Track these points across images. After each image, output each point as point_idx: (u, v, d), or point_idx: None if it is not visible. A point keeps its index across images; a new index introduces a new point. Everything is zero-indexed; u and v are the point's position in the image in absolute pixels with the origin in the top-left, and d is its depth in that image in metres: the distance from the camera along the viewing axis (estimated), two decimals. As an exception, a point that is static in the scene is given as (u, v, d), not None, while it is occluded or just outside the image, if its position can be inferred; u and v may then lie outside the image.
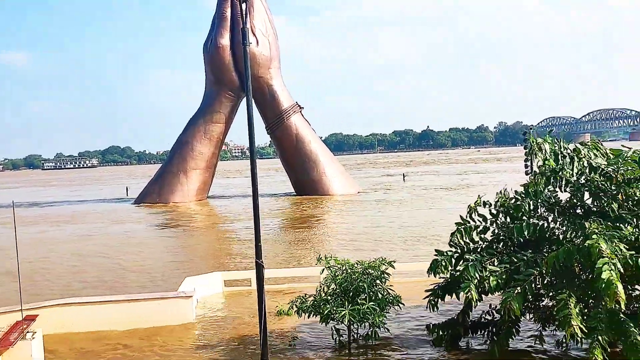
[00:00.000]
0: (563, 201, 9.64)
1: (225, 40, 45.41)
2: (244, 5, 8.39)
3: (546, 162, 8.83)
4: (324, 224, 30.08)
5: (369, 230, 25.61)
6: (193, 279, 13.95)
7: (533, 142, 8.90)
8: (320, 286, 9.58)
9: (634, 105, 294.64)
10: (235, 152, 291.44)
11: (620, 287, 6.87)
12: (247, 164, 9.18)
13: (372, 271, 9.35)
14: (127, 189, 63.91)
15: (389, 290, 9.37)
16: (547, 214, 9.69)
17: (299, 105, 47.32)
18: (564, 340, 8.76)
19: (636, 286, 9.09)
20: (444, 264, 9.11)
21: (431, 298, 9.18)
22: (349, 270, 9.32)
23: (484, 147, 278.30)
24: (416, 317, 11.14)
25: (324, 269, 9.70)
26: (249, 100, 8.44)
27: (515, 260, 8.49)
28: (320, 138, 57.11)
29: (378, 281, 9.40)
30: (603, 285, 6.93)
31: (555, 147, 9.00)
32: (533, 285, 8.36)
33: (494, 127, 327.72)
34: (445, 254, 9.23)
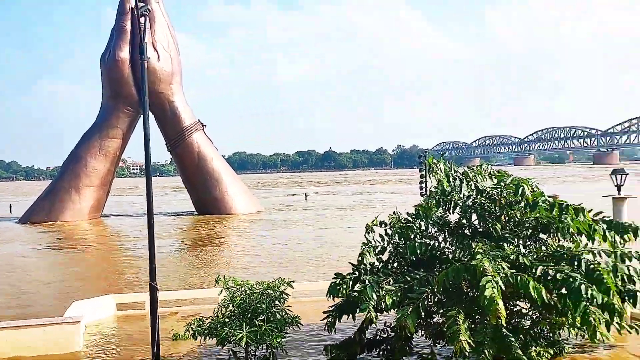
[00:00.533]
0: (452, 222, 10.17)
1: (124, 54, 43.85)
2: (142, 19, 8.16)
3: (440, 183, 9.26)
4: (226, 244, 29.58)
5: (271, 250, 25.51)
6: (82, 303, 13.10)
7: (430, 161, 9.32)
8: (218, 308, 9.36)
9: (518, 133, 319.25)
10: (133, 169, 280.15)
11: (501, 303, 7.30)
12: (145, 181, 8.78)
13: (271, 292, 9.27)
14: (10, 206, 59.25)
15: (287, 311, 9.32)
16: (437, 234, 10.18)
17: (201, 123, 46.53)
18: (453, 356, 9.10)
19: (517, 302, 9.76)
20: (345, 286, 9.24)
21: (329, 319, 9.26)
22: (248, 291, 9.19)
23: (383, 169, 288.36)
24: (314, 338, 11.19)
25: (222, 290, 9.50)
26: (146, 116, 8.18)
27: (409, 279, 8.79)
28: (223, 156, 56.44)
29: (277, 302, 9.33)
30: (486, 302, 7.32)
31: (447, 169, 9.48)
32: (425, 303, 8.71)
33: (393, 150, 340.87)
34: (344, 277, 9.37)
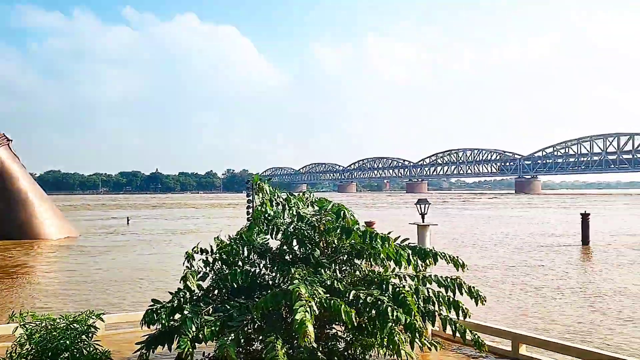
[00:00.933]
0: (274, 248, 10.32)
1: None
2: None
3: (264, 205, 9.33)
4: (32, 273, 26.54)
5: (84, 278, 23.48)
6: None
7: (256, 180, 9.36)
8: (12, 347, 8.30)
9: (341, 162, 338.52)
10: None
11: (310, 326, 7.50)
12: None
13: (78, 326, 8.48)
14: None
15: (96, 346, 8.60)
16: (259, 260, 10.24)
17: (6, 137, 41.75)
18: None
19: (333, 326, 10.16)
20: (163, 315, 8.81)
21: (142, 351, 8.73)
22: (49, 327, 8.29)
23: (212, 193, 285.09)
24: (128, 373, 10.45)
25: (17, 327, 8.45)
26: None
27: (229, 307, 8.67)
28: (33, 175, 51.12)
29: (84, 336, 8.56)
30: (297, 325, 7.49)
31: (272, 193, 9.59)
32: (246, 330, 8.65)
33: (223, 174, 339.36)
34: (162, 304, 8.95)
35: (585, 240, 33.78)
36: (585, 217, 33.98)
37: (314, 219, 9.76)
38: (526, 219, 63.31)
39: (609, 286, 19.95)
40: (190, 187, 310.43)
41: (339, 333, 10.53)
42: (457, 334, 9.54)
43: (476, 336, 9.82)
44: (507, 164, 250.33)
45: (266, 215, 9.64)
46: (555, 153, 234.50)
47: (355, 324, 9.00)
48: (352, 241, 9.70)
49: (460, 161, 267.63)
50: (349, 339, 10.26)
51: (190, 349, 8.09)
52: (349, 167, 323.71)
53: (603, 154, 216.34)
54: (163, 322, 8.55)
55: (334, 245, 9.99)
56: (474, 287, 9.83)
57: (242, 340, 9.14)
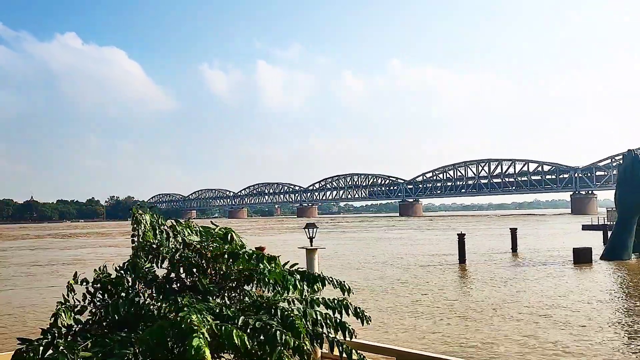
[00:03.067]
0: (160, 277, 10.01)
1: None
2: None
3: (145, 234, 9.05)
4: None
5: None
6: None
7: (135, 211, 9.04)
8: None
9: (232, 187, 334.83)
10: None
11: (208, 352, 7.37)
12: None
13: None
14: None
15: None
16: (144, 290, 9.88)
17: None
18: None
19: (222, 354, 10.00)
20: (31, 354, 8.16)
21: (12, 396, 8.02)
22: None
23: (95, 221, 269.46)
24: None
25: None
26: None
27: (109, 341, 8.25)
28: None
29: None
30: (193, 353, 7.32)
31: (154, 221, 9.31)
32: (128, 365, 8.26)
33: (105, 201, 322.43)
34: (32, 342, 8.30)
35: (461, 259, 36.11)
36: (461, 237, 36.39)
37: (201, 245, 9.64)
38: (409, 239, 66.49)
39: (483, 301, 21.45)
40: (70, 216, 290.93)
41: (230, 360, 10.40)
42: (344, 355, 9.79)
43: (362, 356, 10.13)
44: (392, 188, 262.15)
45: (150, 244, 9.35)
46: (434, 177, 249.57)
47: (249, 347, 8.97)
48: (240, 266, 9.69)
49: (348, 186, 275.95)
50: (241, 366, 10.15)
51: (65, 389, 7.58)
52: (239, 193, 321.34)
53: (476, 178, 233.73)
54: (31, 361, 7.92)
55: (222, 272, 9.91)
56: (359, 308, 10.16)
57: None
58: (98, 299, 9.38)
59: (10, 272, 38.93)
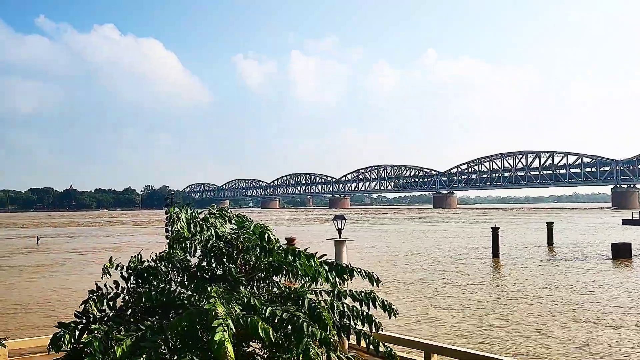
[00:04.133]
0: (192, 266, 10.21)
1: None
2: None
3: (181, 230, 9.25)
4: None
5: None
6: None
7: (172, 211, 9.24)
8: None
9: (265, 178, 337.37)
10: None
11: (230, 347, 7.51)
12: None
13: (-24, 354, 7.99)
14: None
15: (-4, 375, 8.13)
16: (178, 278, 10.11)
17: None
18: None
19: (250, 343, 10.16)
20: (67, 337, 8.47)
21: (50, 377, 8.36)
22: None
23: (131, 210, 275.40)
24: (33, 401, 9.92)
25: None
26: None
27: (143, 327, 8.48)
28: None
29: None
30: (215, 346, 7.47)
31: (189, 216, 9.50)
32: (160, 351, 8.49)
33: (141, 190, 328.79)
34: (69, 325, 8.61)
35: (495, 252, 35.61)
36: (495, 230, 35.86)
37: (232, 237, 9.78)
38: (442, 232, 65.89)
39: (517, 295, 21.16)
40: (107, 204, 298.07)
41: (257, 351, 10.55)
42: (372, 347, 9.82)
43: (388, 349, 10.15)
44: (425, 179, 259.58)
45: (184, 237, 9.54)
46: (469, 170, 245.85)
47: (273, 340, 9.10)
48: (271, 259, 9.81)
49: (381, 177, 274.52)
50: (266, 356, 10.29)
51: (98, 372, 7.84)
52: (272, 183, 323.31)
53: (513, 171, 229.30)
54: (67, 344, 8.23)
55: (251, 263, 10.05)
56: (386, 301, 10.17)
57: (156, 362, 8.99)
58: (132, 284, 9.67)
59: (46, 259, 40.22)
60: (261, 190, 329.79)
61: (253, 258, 10.19)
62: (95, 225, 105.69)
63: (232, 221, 10.18)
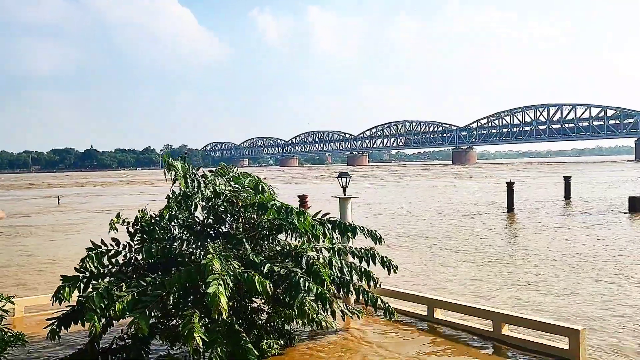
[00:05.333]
0: (197, 224, 10.34)
1: None
2: None
3: (177, 182, 9.31)
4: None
5: (7, 261, 22.66)
6: None
7: (166, 159, 9.29)
8: None
9: (283, 135, 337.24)
10: None
11: (223, 300, 7.65)
12: None
13: (-15, 310, 8.30)
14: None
15: (6, 330, 8.44)
16: (181, 236, 10.27)
17: None
18: (189, 356, 9.19)
19: (254, 299, 10.36)
20: (67, 290, 8.74)
21: (53, 327, 8.66)
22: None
23: (151, 169, 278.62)
24: (44, 355, 10.30)
25: None
26: None
27: (144, 283, 8.68)
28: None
29: (-6, 320, 8.39)
30: (209, 298, 7.63)
31: (186, 171, 9.54)
32: (161, 306, 8.70)
33: (161, 150, 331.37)
34: (72, 280, 8.86)
35: (510, 207, 35.43)
36: (510, 185, 35.58)
37: (232, 194, 9.84)
38: (459, 188, 65.63)
39: (524, 250, 21.13)
40: (128, 164, 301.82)
41: (262, 306, 10.77)
42: (370, 302, 9.96)
43: (386, 304, 10.29)
44: (445, 135, 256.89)
45: (183, 193, 9.62)
46: (489, 124, 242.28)
47: (271, 294, 9.25)
48: (270, 216, 9.88)
49: (400, 133, 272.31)
50: (270, 311, 10.51)
51: (98, 325, 8.09)
52: (290, 141, 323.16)
53: (534, 124, 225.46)
54: (67, 297, 8.50)
55: (252, 221, 10.14)
56: (386, 257, 10.26)
57: (159, 316, 9.25)
58: (135, 242, 9.87)
59: (66, 219, 41.13)
60: (279, 148, 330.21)
61: (254, 216, 10.28)
62: (117, 184, 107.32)
63: (231, 179, 10.22)
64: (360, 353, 10.04)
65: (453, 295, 14.10)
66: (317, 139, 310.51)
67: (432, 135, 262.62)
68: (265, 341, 9.52)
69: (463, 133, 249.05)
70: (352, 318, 11.25)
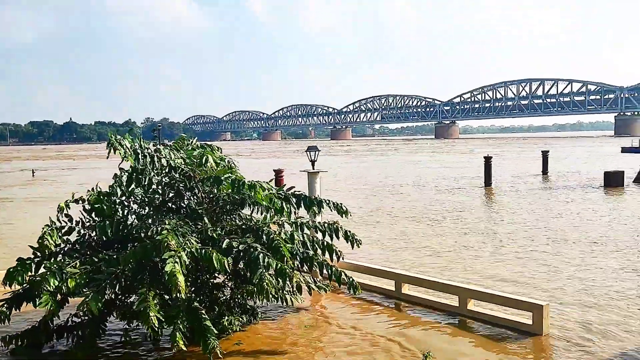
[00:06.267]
0: (156, 199, 10.00)
1: None
2: None
3: (125, 159, 8.93)
4: None
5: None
6: None
7: (111, 137, 8.87)
8: None
9: (267, 110, 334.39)
10: None
11: (181, 277, 7.41)
12: None
13: None
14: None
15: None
16: (140, 211, 9.94)
17: None
18: (149, 334, 8.97)
19: (216, 275, 10.11)
20: (23, 271, 8.41)
21: (3, 309, 8.36)
22: None
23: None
24: (-1, 333, 10.00)
25: None
26: None
27: (97, 260, 8.39)
28: None
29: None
30: (167, 277, 7.38)
31: (135, 145, 9.11)
32: (116, 284, 8.43)
33: (142, 123, 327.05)
34: (24, 261, 8.53)
35: (487, 182, 35.53)
36: (487, 160, 35.61)
37: (187, 168, 9.48)
38: (439, 162, 65.77)
39: (500, 225, 21.17)
40: (107, 137, 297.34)
41: (226, 282, 10.54)
42: (334, 277, 9.78)
43: (350, 279, 10.13)
44: (428, 109, 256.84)
45: (134, 168, 9.23)
46: (472, 99, 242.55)
47: (229, 271, 9.01)
48: (228, 190, 9.57)
49: (383, 108, 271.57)
50: (233, 287, 10.28)
51: (54, 306, 7.82)
52: (273, 115, 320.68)
53: (516, 99, 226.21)
54: (20, 279, 8.17)
55: (212, 195, 9.82)
56: (349, 231, 10.06)
57: (117, 292, 8.98)
58: (88, 219, 9.52)
59: (36, 193, 40.39)
60: (262, 122, 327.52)
61: (215, 191, 9.97)
62: (94, 157, 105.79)
63: (183, 152, 9.78)
64: (324, 329, 9.91)
65: (423, 270, 14.02)
66: (300, 113, 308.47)
67: (415, 110, 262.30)
68: (226, 318, 9.32)
69: (446, 107, 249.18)
70: (320, 293, 11.10)
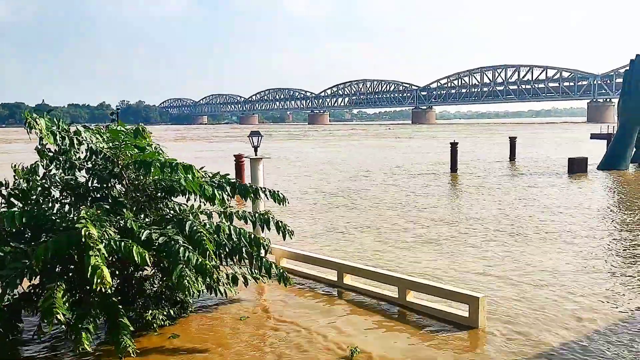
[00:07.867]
0: (79, 187, 9.46)
1: None
2: None
3: (42, 140, 8.40)
4: None
5: None
6: None
7: (27, 115, 8.30)
8: None
9: (243, 93, 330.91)
10: None
11: (106, 271, 6.96)
12: None
13: None
14: None
15: None
16: (61, 199, 9.43)
17: None
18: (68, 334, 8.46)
19: (144, 267, 9.64)
20: None
21: None
22: None
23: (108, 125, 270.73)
24: None
25: None
26: None
27: (2, 253, 7.85)
28: None
29: None
30: (91, 271, 6.91)
31: (53, 127, 8.57)
32: (25, 279, 7.93)
33: (116, 106, 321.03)
34: None
35: (453, 168, 35.46)
36: (453, 146, 35.51)
37: (111, 153, 8.95)
38: (410, 148, 65.73)
39: (459, 212, 21.03)
40: (82, 120, 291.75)
41: (157, 274, 10.07)
42: (264, 269, 9.40)
43: (281, 271, 9.76)
44: (405, 94, 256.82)
45: (53, 150, 8.70)
46: (449, 84, 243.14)
47: (150, 264, 8.56)
48: (157, 177, 9.09)
49: (361, 92, 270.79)
50: (160, 281, 9.79)
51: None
52: (250, 99, 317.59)
53: (492, 85, 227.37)
54: None
55: (137, 182, 9.31)
56: (281, 222, 9.66)
57: (35, 285, 8.48)
58: (4, 205, 8.96)
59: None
60: (240, 105, 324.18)
61: (141, 177, 9.45)
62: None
63: (106, 136, 9.25)
64: (259, 322, 9.57)
65: (367, 261, 13.72)
66: (277, 97, 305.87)
67: (392, 95, 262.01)
68: (150, 312, 8.86)
69: (423, 93, 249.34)
70: (257, 283, 10.71)
